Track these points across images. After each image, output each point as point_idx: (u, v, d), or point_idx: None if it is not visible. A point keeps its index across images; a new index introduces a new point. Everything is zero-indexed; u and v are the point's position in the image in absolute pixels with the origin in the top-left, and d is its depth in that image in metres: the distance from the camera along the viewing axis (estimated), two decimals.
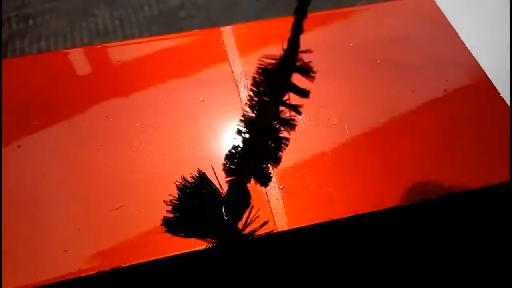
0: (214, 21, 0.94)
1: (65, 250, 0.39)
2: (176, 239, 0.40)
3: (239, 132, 0.36)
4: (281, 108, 0.35)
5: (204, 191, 0.39)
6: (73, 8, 0.94)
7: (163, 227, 0.38)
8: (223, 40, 0.55)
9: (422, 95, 0.51)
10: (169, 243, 0.39)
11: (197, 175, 0.40)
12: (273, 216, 0.42)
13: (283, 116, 0.35)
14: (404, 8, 0.60)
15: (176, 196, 0.39)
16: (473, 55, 0.54)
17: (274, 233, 0.41)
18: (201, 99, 0.49)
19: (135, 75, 0.51)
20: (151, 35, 0.90)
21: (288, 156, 0.45)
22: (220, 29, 0.56)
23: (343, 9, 0.60)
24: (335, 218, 0.42)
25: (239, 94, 0.50)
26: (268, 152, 0.36)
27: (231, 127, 0.48)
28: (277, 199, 0.43)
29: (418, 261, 0.54)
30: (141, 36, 0.90)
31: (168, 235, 0.40)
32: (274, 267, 0.48)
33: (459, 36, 0.56)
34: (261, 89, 0.34)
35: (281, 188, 0.43)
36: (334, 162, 0.45)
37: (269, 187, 0.43)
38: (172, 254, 0.39)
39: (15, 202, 0.41)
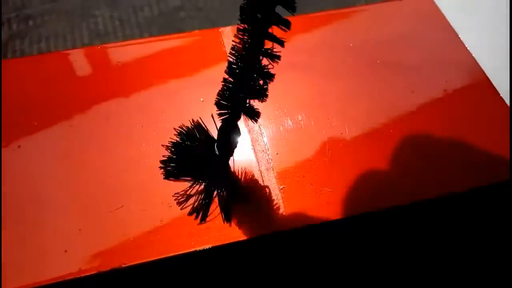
0: (214, 22, 0.94)
1: (65, 250, 0.39)
2: (176, 239, 0.40)
3: (229, 66, 0.36)
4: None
5: (199, 136, 0.40)
6: (73, 8, 0.94)
7: (161, 170, 0.39)
8: (223, 41, 0.55)
9: (422, 95, 0.51)
10: (169, 243, 0.40)
11: (193, 123, 0.41)
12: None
13: (267, 49, 0.35)
14: (404, 8, 0.60)
15: (174, 142, 0.40)
16: (473, 55, 0.54)
17: (273, 233, 0.41)
18: (201, 99, 0.50)
19: (135, 76, 0.51)
20: (151, 35, 0.90)
21: (288, 156, 0.45)
22: (220, 30, 0.56)
23: (343, 9, 0.60)
24: (335, 218, 0.42)
25: None
26: (255, 87, 0.36)
27: None
28: (277, 199, 0.43)
29: (418, 261, 0.54)
30: (141, 36, 0.90)
31: (168, 234, 0.40)
32: (274, 267, 0.48)
33: (459, 36, 0.56)
34: (246, 20, 0.34)
35: (281, 188, 0.43)
36: (334, 162, 0.45)
37: (269, 187, 0.43)
38: (172, 254, 0.39)
39: (15, 202, 0.42)
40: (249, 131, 0.47)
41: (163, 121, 0.48)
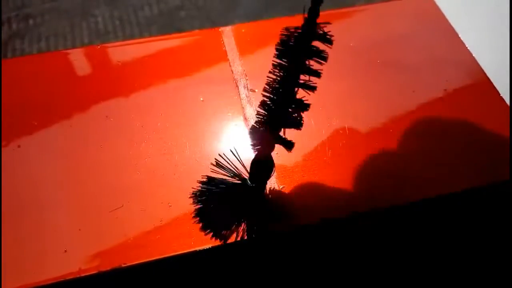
0: (214, 21, 0.94)
1: (65, 250, 0.39)
2: (176, 239, 0.40)
3: (263, 103, 0.36)
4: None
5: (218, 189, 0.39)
6: (73, 8, 0.94)
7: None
8: (223, 40, 0.55)
9: (422, 95, 0.51)
10: (169, 243, 0.39)
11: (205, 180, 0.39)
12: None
13: (303, 81, 0.35)
14: (404, 8, 0.60)
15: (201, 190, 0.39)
16: (473, 55, 0.54)
17: (274, 233, 0.41)
18: (201, 99, 0.50)
19: (135, 75, 0.51)
20: (151, 35, 0.90)
21: (288, 156, 0.45)
22: (220, 29, 0.56)
23: (343, 9, 0.60)
24: (335, 218, 0.42)
25: (239, 94, 0.50)
26: (291, 118, 0.36)
27: (231, 127, 0.48)
28: (277, 199, 0.43)
29: (418, 261, 0.54)
30: (141, 36, 0.90)
31: (168, 234, 0.40)
32: (274, 267, 0.48)
33: (459, 36, 0.56)
34: (282, 57, 0.34)
35: (281, 188, 0.43)
36: (334, 162, 0.45)
37: (269, 187, 0.43)
38: (172, 254, 0.39)
39: (15, 202, 0.42)
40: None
41: (163, 121, 0.48)
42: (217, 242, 0.39)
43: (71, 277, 0.37)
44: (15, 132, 0.46)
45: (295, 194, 0.43)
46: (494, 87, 0.52)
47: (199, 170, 0.44)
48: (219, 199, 0.38)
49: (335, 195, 0.43)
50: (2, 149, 0.45)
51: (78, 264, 0.38)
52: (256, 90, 0.50)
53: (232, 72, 0.52)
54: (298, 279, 0.50)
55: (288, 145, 0.37)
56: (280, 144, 0.37)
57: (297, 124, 0.37)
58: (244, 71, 0.52)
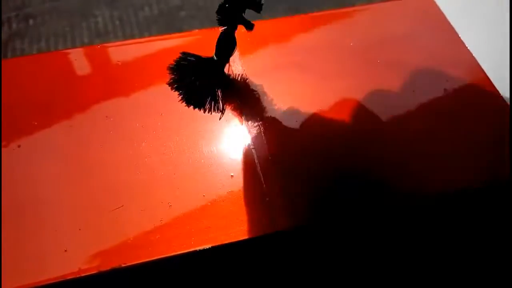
0: (214, 21, 0.94)
1: (65, 250, 0.39)
2: (176, 239, 0.40)
3: None
4: None
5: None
6: (73, 8, 0.94)
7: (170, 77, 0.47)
8: None
9: (422, 95, 0.51)
10: (168, 243, 0.40)
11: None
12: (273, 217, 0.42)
13: None
14: (404, 8, 0.60)
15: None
16: (473, 55, 0.54)
17: (274, 233, 0.41)
18: None
19: (135, 75, 0.51)
20: (151, 35, 0.90)
21: (288, 155, 0.45)
22: (220, 29, 0.56)
23: (343, 9, 0.60)
24: (335, 218, 0.42)
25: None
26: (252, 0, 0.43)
27: (230, 127, 0.48)
28: (277, 199, 0.43)
29: (418, 261, 0.54)
30: (141, 36, 0.90)
31: (168, 234, 0.40)
32: (274, 267, 0.48)
33: (459, 36, 0.56)
34: None
35: (281, 188, 0.43)
36: (334, 162, 0.45)
37: (268, 187, 0.43)
38: (172, 254, 0.39)
39: (15, 202, 0.41)
40: (249, 131, 0.47)
41: (163, 121, 0.48)
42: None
43: (71, 277, 0.37)
44: (15, 132, 0.46)
45: (295, 194, 0.43)
46: (494, 87, 0.52)
47: (199, 170, 0.44)
48: (190, 68, 0.47)
49: (335, 195, 0.43)
50: (2, 149, 0.45)
51: (78, 264, 0.38)
52: (257, 90, 0.50)
53: (232, 72, 0.52)
54: (298, 279, 0.50)
55: (249, 25, 0.44)
56: (241, 23, 0.44)
57: (257, 6, 0.42)
58: (244, 70, 0.52)
